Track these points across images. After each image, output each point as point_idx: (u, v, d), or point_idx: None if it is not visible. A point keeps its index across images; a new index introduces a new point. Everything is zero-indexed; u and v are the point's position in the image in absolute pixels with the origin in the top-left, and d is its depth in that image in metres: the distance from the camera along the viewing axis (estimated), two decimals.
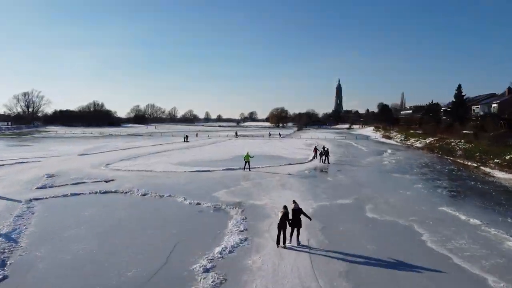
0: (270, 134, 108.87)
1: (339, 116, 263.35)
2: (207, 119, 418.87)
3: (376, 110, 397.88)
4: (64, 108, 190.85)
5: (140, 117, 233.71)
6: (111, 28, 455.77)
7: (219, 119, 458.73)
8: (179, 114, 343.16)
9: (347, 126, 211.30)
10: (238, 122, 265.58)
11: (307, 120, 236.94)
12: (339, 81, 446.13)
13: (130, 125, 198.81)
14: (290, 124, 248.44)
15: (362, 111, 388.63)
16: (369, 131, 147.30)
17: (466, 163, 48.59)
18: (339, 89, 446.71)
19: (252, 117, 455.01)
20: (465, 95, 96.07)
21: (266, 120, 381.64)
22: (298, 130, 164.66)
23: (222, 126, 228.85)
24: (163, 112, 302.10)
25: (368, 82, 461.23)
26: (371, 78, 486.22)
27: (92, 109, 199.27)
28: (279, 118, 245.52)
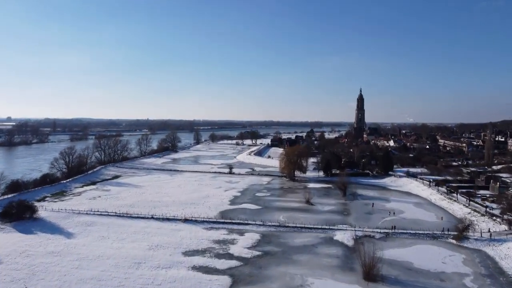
0: None
1: (387, 157, 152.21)
2: (197, 138, 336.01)
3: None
4: None
5: None
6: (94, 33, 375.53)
7: (213, 133, 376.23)
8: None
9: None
10: (231, 168, 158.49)
11: (332, 159, 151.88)
12: (360, 90, 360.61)
13: None
14: (310, 173, 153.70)
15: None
16: None
17: None
18: (361, 100, 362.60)
19: (253, 132, 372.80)
20: None
21: (273, 143, 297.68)
22: None
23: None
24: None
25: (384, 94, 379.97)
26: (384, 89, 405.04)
27: None
28: (297, 161, 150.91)
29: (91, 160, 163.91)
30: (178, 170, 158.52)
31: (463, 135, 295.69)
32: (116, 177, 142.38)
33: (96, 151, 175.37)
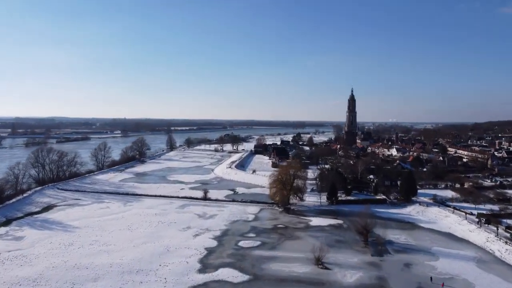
0: None
1: (410, 178, 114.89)
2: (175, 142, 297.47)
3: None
4: None
5: None
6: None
7: (189, 137, 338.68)
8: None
9: None
10: (205, 192, 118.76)
11: (336, 181, 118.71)
12: (352, 91, 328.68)
13: None
14: (308, 199, 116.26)
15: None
16: None
17: None
18: (352, 101, 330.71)
19: (234, 137, 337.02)
20: None
21: (257, 150, 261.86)
22: None
23: None
24: None
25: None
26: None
27: None
28: (292, 184, 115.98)
29: (23, 180, 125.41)
30: (136, 194, 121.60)
31: (469, 141, 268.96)
32: (49, 207, 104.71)
33: (33, 168, 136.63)
